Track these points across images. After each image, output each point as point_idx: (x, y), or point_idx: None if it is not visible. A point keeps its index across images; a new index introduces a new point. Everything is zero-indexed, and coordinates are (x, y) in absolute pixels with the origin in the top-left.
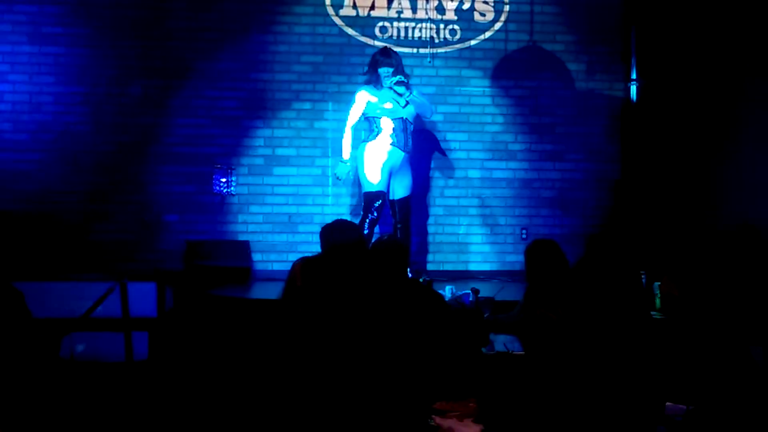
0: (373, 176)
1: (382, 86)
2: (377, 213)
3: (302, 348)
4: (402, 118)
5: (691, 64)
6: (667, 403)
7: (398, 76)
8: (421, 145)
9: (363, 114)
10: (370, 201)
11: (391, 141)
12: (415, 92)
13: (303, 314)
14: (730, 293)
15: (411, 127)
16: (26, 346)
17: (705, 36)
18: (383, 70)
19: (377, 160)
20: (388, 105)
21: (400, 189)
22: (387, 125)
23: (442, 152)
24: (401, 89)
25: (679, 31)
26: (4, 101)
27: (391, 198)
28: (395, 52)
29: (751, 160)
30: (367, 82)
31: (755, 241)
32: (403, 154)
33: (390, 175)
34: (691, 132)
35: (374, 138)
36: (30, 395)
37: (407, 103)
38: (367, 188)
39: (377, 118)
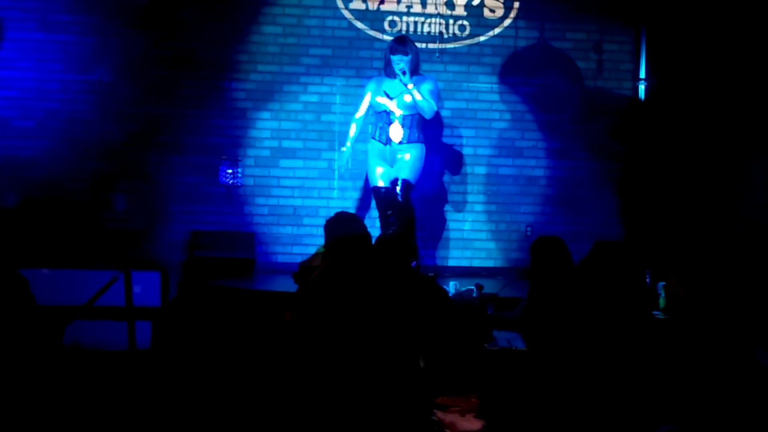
0: (371, 172)
1: (394, 76)
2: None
3: (305, 340)
4: (411, 114)
5: (702, 63)
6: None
7: (401, 64)
8: (427, 141)
9: (372, 107)
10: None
11: (381, 135)
12: (426, 90)
13: (309, 306)
14: (735, 295)
15: (416, 120)
16: (30, 333)
17: (716, 35)
18: (395, 58)
19: (374, 156)
20: (393, 102)
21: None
22: (391, 120)
23: (449, 148)
24: (405, 79)
25: (690, 30)
26: (12, 88)
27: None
28: (411, 42)
29: (764, 162)
30: (382, 71)
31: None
32: (387, 147)
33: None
34: (701, 132)
35: (377, 135)
36: (33, 382)
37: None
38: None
39: (385, 113)
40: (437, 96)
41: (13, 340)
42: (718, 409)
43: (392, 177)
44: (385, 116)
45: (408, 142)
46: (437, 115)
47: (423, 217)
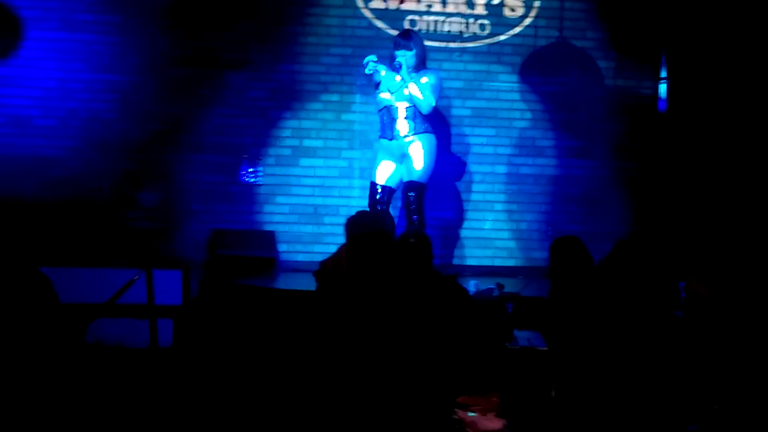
0: (375, 167)
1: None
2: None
3: (327, 339)
4: (413, 105)
5: (723, 61)
6: None
7: (403, 59)
8: (447, 140)
9: (376, 103)
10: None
11: (386, 131)
12: (425, 85)
13: (332, 305)
14: (755, 295)
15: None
16: (53, 331)
17: (737, 33)
18: (398, 52)
19: (381, 153)
20: (393, 96)
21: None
22: (395, 113)
23: (469, 147)
24: (402, 73)
25: (710, 29)
26: (35, 87)
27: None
28: (416, 36)
29: None
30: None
31: None
32: (394, 142)
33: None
34: (721, 131)
35: (383, 131)
36: (56, 379)
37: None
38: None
39: (387, 108)
40: (437, 91)
41: (36, 338)
42: (740, 409)
43: (401, 174)
44: (388, 111)
45: (414, 134)
46: (457, 113)
47: (444, 216)
